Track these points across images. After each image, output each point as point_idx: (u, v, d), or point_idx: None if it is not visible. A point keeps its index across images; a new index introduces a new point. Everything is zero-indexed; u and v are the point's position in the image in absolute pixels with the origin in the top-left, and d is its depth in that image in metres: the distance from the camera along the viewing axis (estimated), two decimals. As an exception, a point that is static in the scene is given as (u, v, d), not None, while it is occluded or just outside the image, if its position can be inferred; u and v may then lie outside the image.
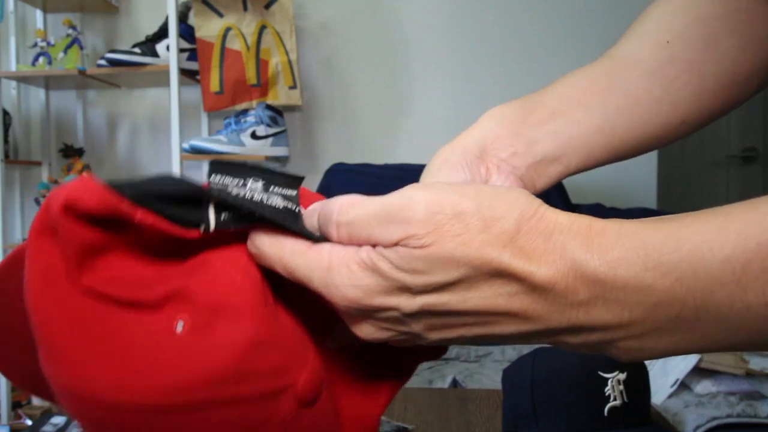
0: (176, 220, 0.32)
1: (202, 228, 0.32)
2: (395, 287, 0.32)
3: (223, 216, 0.32)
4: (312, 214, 0.34)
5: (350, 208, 0.32)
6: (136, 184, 0.31)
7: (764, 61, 0.50)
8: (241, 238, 0.34)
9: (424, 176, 0.45)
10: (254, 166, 0.34)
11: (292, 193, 0.35)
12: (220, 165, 0.33)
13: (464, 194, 0.31)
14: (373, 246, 0.32)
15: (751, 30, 0.49)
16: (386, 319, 0.33)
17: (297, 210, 0.34)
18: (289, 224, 0.33)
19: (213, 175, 0.33)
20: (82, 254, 0.31)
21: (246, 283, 0.33)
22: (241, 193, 0.33)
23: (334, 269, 0.32)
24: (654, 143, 0.50)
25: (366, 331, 0.34)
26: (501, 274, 0.31)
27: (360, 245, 0.32)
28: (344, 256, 0.32)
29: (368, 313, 0.33)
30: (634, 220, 0.32)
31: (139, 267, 0.33)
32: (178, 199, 0.31)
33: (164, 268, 0.33)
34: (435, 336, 0.34)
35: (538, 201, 0.32)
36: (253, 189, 0.34)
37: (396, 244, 0.31)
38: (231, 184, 0.33)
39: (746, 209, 0.29)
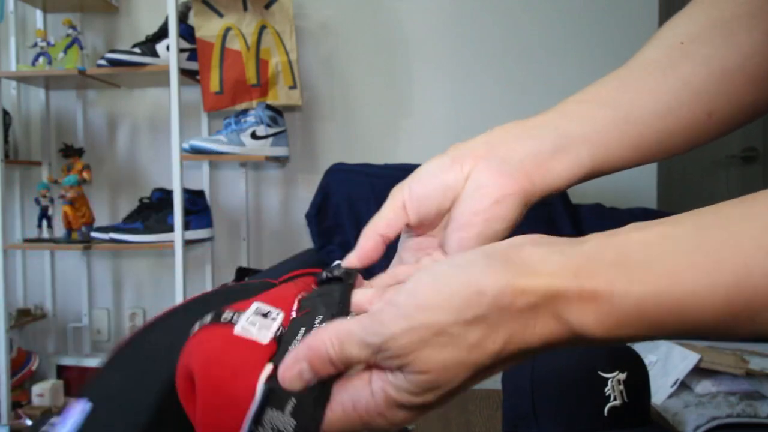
0: None
1: None
2: (421, 406, 0.34)
3: None
4: (297, 365, 0.34)
5: (342, 349, 0.33)
6: None
7: None
8: None
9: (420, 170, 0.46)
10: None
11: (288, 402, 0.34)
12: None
13: (433, 306, 0.32)
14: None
15: None
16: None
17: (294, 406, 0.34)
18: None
19: None
20: None
21: None
22: None
23: (370, 422, 0.34)
24: (684, 139, 0.47)
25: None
26: (503, 357, 0.33)
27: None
28: (367, 406, 0.34)
29: None
30: (618, 268, 0.31)
31: None
32: None
33: None
34: None
35: (504, 271, 0.32)
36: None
37: (399, 369, 0.33)
38: None
39: (733, 257, 0.30)
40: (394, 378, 0.33)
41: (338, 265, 0.43)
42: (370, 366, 0.34)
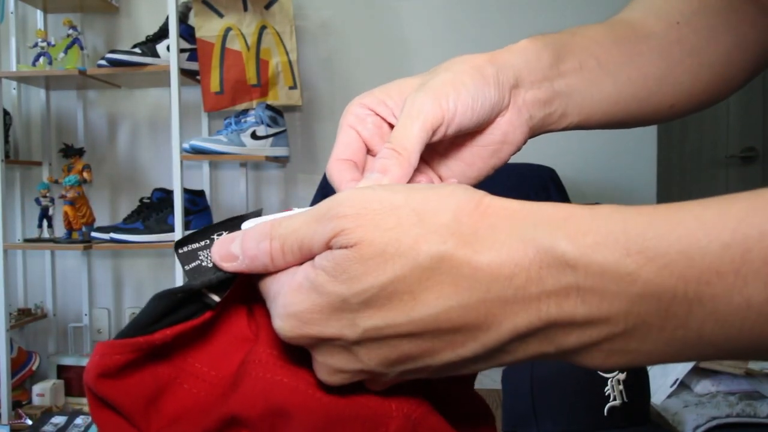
0: (187, 318, 0.33)
1: (214, 305, 0.34)
2: (334, 307, 0.29)
3: (219, 291, 0.34)
4: (231, 240, 0.32)
5: (283, 221, 0.31)
6: (136, 322, 0.33)
7: (748, 64, 0.51)
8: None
9: (436, 72, 0.41)
10: (215, 224, 0.35)
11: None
12: (183, 239, 0.34)
13: (394, 190, 0.29)
14: (308, 261, 0.30)
15: (743, 30, 0.50)
16: (333, 353, 0.30)
17: None
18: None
19: (180, 250, 0.34)
20: (141, 404, 0.33)
21: (283, 378, 0.33)
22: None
23: (272, 298, 0.31)
24: (639, 122, 0.49)
25: (319, 372, 0.31)
26: (443, 267, 0.27)
27: (293, 262, 0.31)
28: (285, 282, 0.30)
29: (315, 347, 0.31)
30: (611, 205, 0.27)
31: (192, 403, 0.34)
32: (175, 307, 0.33)
33: (211, 396, 0.35)
34: (396, 371, 0.30)
35: (481, 193, 0.29)
36: None
37: (329, 246, 0.29)
38: (201, 253, 0.34)
39: (748, 195, 0.25)
40: (320, 257, 0.29)
41: None
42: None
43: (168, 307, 0.32)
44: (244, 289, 0.35)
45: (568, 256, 0.26)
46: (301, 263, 0.31)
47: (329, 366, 0.31)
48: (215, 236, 0.34)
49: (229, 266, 0.32)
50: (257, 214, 0.35)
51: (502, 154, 0.43)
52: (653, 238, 0.25)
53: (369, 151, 0.42)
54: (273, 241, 0.31)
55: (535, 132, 0.44)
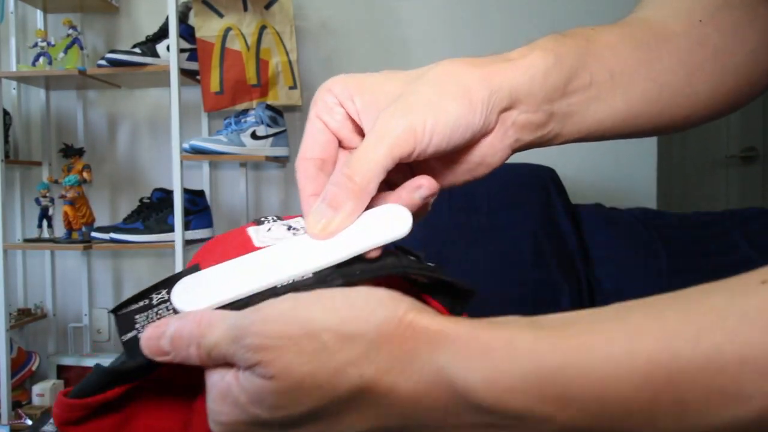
0: (137, 377, 0.34)
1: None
2: (258, 423, 0.29)
3: None
4: (159, 336, 0.31)
5: (208, 330, 0.30)
6: (84, 388, 0.34)
7: None
8: None
9: (423, 78, 0.39)
10: (153, 285, 0.35)
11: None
12: (122, 302, 0.34)
13: (312, 311, 0.28)
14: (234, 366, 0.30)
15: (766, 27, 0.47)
16: None
17: None
18: None
19: (118, 312, 0.34)
20: None
21: None
22: (150, 317, 0.34)
23: (208, 388, 0.31)
24: (652, 133, 0.47)
25: None
26: (364, 396, 0.27)
27: (222, 365, 0.31)
28: (215, 381, 0.31)
29: None
30: (528, 325, 0.27)
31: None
32: (124, 372, 0.34)
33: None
34: None
35: (404, 306, 0.29)
36: (160, 302, 0.34)
37: (251, 367, 0.29)
38: (138, 317, 0.34)
39: (655, 325, 0.25)
40: (244, 376, 0.29)
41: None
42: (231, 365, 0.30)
43: (114, 377, 0.33)
44: None
45: (484, 404, 0.26)
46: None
47: None
48: (154, 295, 0.34)
49: (161, 359, 0.32)
50: (195, 269, 0.34)
51: (477, 173, 0.41)
52: (567, 383, 0.26)
53: (340, 143, 0.39)
54: (200, 349, 0.31)
55: (519, 150, 0.42)
